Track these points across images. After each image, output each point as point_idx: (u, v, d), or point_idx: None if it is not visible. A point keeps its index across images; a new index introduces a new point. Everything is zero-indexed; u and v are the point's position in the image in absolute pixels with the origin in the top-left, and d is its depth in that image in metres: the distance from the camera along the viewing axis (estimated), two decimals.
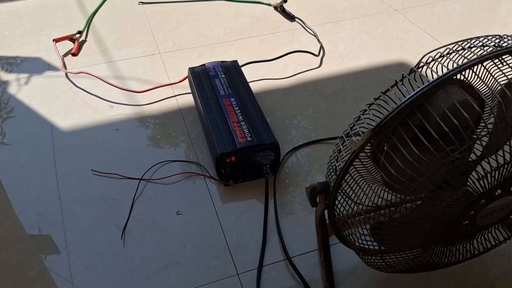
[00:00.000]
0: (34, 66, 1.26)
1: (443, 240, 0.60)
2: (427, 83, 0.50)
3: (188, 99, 1.14)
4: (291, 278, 0.75)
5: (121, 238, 0.81)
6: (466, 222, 0.58)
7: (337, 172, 0.55)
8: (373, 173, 0.60)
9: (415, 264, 0.61)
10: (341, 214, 0.59)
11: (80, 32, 1.36)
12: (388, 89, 0.56)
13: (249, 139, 0.90)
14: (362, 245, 0.62)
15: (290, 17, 1.45)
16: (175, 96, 1.15)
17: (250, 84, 1.09)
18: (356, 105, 1.11)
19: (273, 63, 1.25)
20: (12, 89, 1.17)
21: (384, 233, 0.56)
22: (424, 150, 0.51)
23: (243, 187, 0.91)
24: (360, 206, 0.57)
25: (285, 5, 1.48)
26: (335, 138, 1.01)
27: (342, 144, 0.58)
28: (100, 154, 0.98)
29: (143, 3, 1.55)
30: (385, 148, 0.54)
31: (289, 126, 1.05)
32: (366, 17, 1.46)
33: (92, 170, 0.94)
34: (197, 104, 1.05)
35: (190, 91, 1.15)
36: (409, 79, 0.58)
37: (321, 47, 1.31)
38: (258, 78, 1.21)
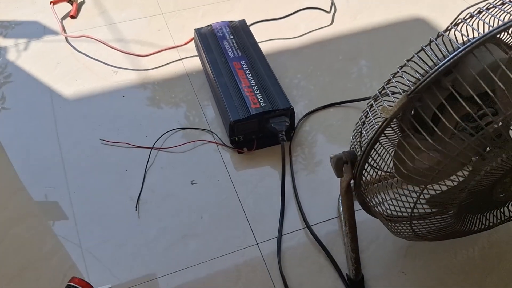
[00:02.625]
0: (32, 30, 1.20)
1: (475, 209, 0.58)
2: (462, 47, 0.46)
3: (195, 62, 1.09)
4: (312, 246, 0.73)
5: (136, 210, 0.79)
6: (501, 190, 0.55)
7: (365, 142, 0.52)
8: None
9: (444, 233, 0.59)
10: (368, 181, 0.57)
11: None
12: (422, 49, 0.51)
13: (262, 104, 0.86)
14: (390, 212, 0.59)
15: None
16: (181, 59, 1.10)
17: (259, 44, 1.04)
18: (372, 66, 1.06)
19: (282, 21, 1.19)
20: (11, 56, 1.12)
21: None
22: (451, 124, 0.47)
23: (257, 154, 0.88)
24: (389, 171, 0.54)
25: None
26: (351, 101, 0.97)
27: (370, 110, 0.54)
28: (108, 122, 0.95)
29: None
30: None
31: (303, 89, 1.01)
32: None
33: (100, 139, 0.91)
34: (206, 68, 1.00)
35: (196, 54, 1.10)
36: (443, 37, 0.53)
37: (332, 2, 1.24)
38: (267, 38, 1.15)
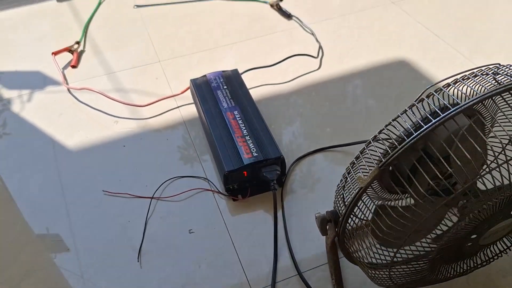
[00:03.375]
0: (35, 80, 1.27)
1: (446, 260, 0.63)
2: (430, 124, 0.52)
3: (191, 110, 1.15)
4: None
5: (138, 261, 0.84)
6: (469, 244, 0.61)
7: (345, 208, 0.57)
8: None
9: (421, 280, 0.65)
10: (350, 232, 0.62)
11: (78, 43, 1.36)
12: (390, 123, 0.57)
13: (255, 154, 0.92)
14: (370, 259, 0.64)
15: (287, 15, 1.45)
16: (178, 107, 1.16)
17: (251, 91, 1.10)
18: (358, 108, 1.13)
19: (272, 67, 1.26)
20: (15, 107, 1.18)
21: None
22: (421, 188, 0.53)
23: (251, 201, 0.94)
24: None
25: (281, 3, 1.47)
26: (339, 146, 1.03)
27: (348, 175, 0.60)
28: (110, 173, 1.00)
29: (138, 6, 1.54)
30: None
31: (293, 134, 1.07)
32: (363, 12, 1.45)
33: (103, 190, 0.96)
34: (202, 118, 1.07)
35: (192, 101, 1.16)
36: (416, 108, 0.59)
37: (320, 47, 1.32)
38: (258, 84, 1.21)
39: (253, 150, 0.93)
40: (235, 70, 1.15)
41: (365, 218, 0.59)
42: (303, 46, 1.33)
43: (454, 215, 0.59)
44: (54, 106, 1.18)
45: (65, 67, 1.30)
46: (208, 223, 0.90)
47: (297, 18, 1.44)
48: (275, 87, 1.21)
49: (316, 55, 1.28)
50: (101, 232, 0.89)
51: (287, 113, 1.13)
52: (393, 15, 1.42)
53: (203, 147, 1.05)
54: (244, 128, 0.98)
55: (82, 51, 1.36)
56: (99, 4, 1.55)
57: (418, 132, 0.53)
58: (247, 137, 0.96)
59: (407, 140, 0.52)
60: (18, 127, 1.13)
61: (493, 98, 0.53)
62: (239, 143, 0.95)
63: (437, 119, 0.53)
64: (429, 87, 0.56)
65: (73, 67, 1.29)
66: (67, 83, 1.24)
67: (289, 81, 1.22)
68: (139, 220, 0.91)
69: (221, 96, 1.07)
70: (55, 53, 1.30)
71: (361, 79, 1.21)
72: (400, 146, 0.52)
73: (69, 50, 1.32)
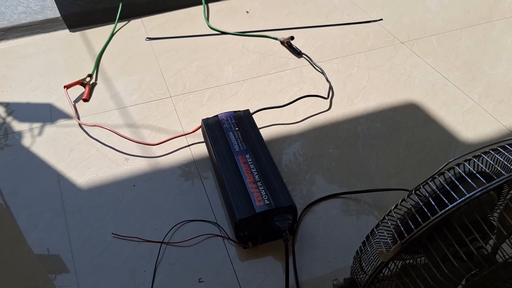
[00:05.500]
0: (46, 113, 1.27)
1: None
2: (453, 205, 0.52)
3: (201, 149, 1.15)
4: None
5: None
6: None
7: (363, 274, 0.57)
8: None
9: None
10: None
11: (90, 76, 1.36)
12: (412, 193, 0.57)
13: (266, 202, 0.92)
14: None
15: (297, 53, 1.46)
16: (189, 146, 1.16)
17: (261, 130, 1.11)
18: (368, 152, 1.13)
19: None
20: (26, 141, 1.18)
21: None
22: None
23: (261, 249, 0.93)
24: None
25: (291, 41, 1.49)
26: (351, 193, 1.03)
27: (368, 244, 0.60)
28: (119, 214, 1.00)
29: (150, 38, 1.55)
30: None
31: (303, 178, 1.07)
32: (373, 51, 1.47)
33: (112, 233, 0.96)
34: (212, 160, 1.07)
35: (203, 140, 1.17)
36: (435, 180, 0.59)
37: (330, 87, 1.32)
38: (269, 123, 1.22)
39: (265, 197, 0.93)
40: (247, 111, 1.15)
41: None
42: (313, 85, 1.34)
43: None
44: (65, 142, 1.18)
45: (76, 100, 1.31)
46: (218, 272, 0.89)
47: (307, 56, 1.45)
48: (285, 127, 1.21)
49: (326, 96, 1.29)
50: (109, 279, 0.88)
51: (297, 156, 1.13)
52: (403, 56, 1.43)
53: (213, 189, 1.05)
54: (255, 173, 0.98)
55: (94, 84, 1.37)
56: (112, 35, 1.56)
57: (453, 205, 0.52)
58: (259, 183, 0.96)
59: (432, 218, 0.52)
60: (29, 162, 1.13)
61: None
62: (250, 189, 0.95)
63: (480, 189, 0.52)
64: (450, 161, 0.56)
65: (85, 100, 1.30)
66: (78, 118, 1.24)
67: (300, 121, 1.22)
68: (148, 265, 0.90)
69: (232, 138, 1.07)
70: (67, 86, 1.31)
71: (371, 122, 1.21)
72: (426, 223, 0.52)
73: (81, 83, 1.33)
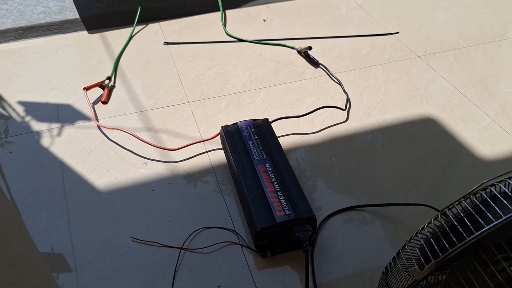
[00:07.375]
0: (65, 114, 1.28)
1: None
2: (492, 224, 0.52)
3: (219, 155, 1.16)
4: None
5: None
6: None
7: None
8: None
9: None
10: None
11: (109, 78, 1.37)
12: (445, 211, 0.58)
13: (287, 212, 0.92)
14: None
15: (314, 63, 1.47)
16: (207, 152, 1.17)
17: (279, 139, 1.11)
18: (386, 165, 1.13)
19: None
20: (45, 141, 1.19)
21: None
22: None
23: (280, 258, 0.93)
24: None
25: (309, 51, 1.50)
26: (369, 206, 1.03)
27: (399, 260, 0.61)
28: (138, 218, 1.00)
29: (168, 43, 1.56)
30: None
31: (321, 189, 1.08)
32: (389, 64, 1.48)
33: (132, 237, 0.96)
34: (232, 167, 1.07)
35: (221, 147, 1.17)
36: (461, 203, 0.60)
37: (348, 99, 1.33)
38: (286, 132, 1.23)
39: (285, 207, 0.93)
40: (266, 120, 1.16)
41: None
42: (330, 96, 1.35)
43: None
44: (84, 143, 1.19)
45: (95, 102, 1.32)
46: (237, 280, 0.89)
47: (324, 66, 1.46)
48: (303, 137, 1.22)
49: (344, 107, 1.30)
50: (128, 283, 0.89)
51: (315, 165, 1.13)
52: (419, 70, 1.44)
53: (232, 196, 1.05)
54: (276, 182, 0.99)
55: (112, 86, 1.37)
56: (130, 38, 1.57)
57: (492, 224, 0.53)
58: (279, 193, 0.97)
59: (472, 237, 0.53)
60: (48, 163, 1.13)
61: None
62: (271, 199, 0.95)
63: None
64: (485, 182, 0.57)
65: (104, 102, 1.31)
66: (97, 120, 1.25)
67: (317, 131, 1.23)
68: (167, 271, 0.91)
69: (252, 147, 1.08)
70: (86, 88, 1.32)
71: (388, 135, 1.22)
72: (462, 244, 0.52)
73: (100, 85, 1.34)
